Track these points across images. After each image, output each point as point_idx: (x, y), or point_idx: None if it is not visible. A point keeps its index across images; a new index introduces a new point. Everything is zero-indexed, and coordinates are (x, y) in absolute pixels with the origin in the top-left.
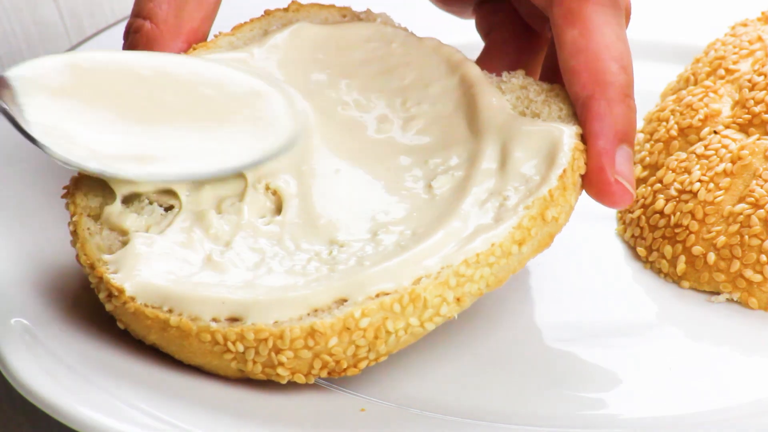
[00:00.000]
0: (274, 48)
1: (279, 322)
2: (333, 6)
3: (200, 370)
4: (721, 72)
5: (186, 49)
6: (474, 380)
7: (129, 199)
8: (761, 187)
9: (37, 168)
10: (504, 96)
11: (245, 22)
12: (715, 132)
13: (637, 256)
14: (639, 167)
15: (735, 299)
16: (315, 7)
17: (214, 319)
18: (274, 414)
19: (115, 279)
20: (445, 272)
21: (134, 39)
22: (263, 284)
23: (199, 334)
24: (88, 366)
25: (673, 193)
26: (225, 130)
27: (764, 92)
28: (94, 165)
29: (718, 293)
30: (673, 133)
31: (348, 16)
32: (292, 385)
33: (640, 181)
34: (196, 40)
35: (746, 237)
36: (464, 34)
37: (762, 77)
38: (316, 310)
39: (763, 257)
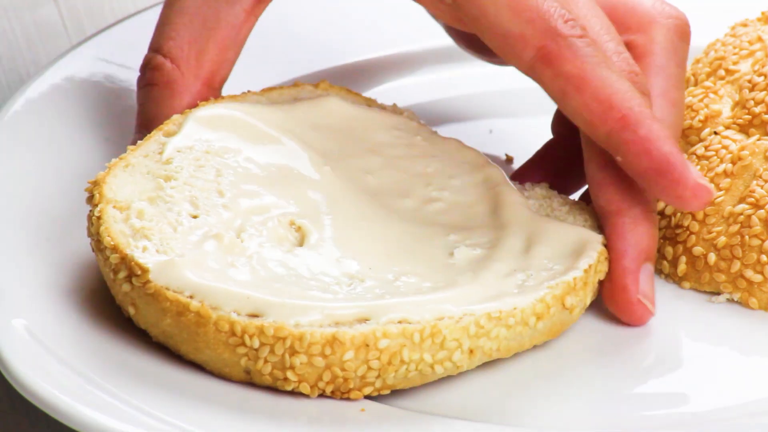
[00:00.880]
0: (304, 111)
1: (300, 325)
2: (360, 95)
3: (202, 371)
4: (721, 72)
5: (205, 93)
6: (474, 380)
7: (154, 200)
8: (761, 187)
9: (39, 169)
10: (528, 201)
11: (275, 87)
12: (716, 133)
13: None
14: None
15: (735, 299)
16: (343, 90)
17: (235, 312)
18: (274, 414)
19: (141, 258)
20: (466, 319)
21: (153, 76)
22: (288, 290)
23: (218, 323)
24: (88, 366)
25: None
26: None
27: (764, 93)
28: None
29: (718, 293)
30: None
31: (374, 106)
32: None
33: None
34: (214, 84)
35: (747, 237)
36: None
37: (762, 78)
38: (337, 323)
39: (764, 257)
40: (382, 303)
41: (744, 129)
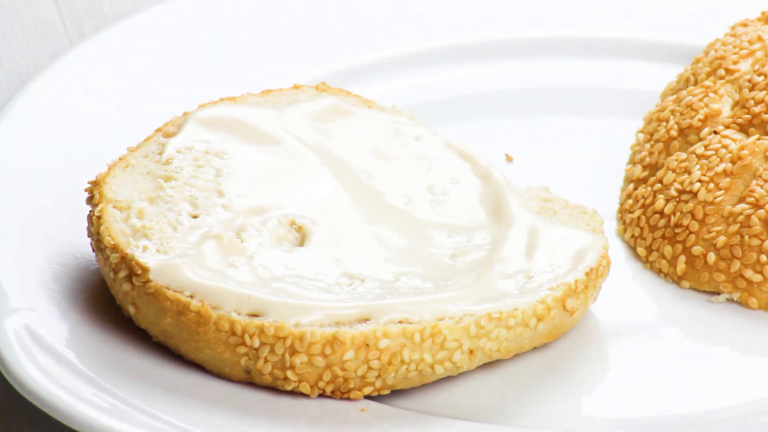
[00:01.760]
0: (304, 112)
1: (301, 324)
2: (360, 96)
3: (202, 371)
4: (721, 72)
5: None
6: (473, 380)
7: (154, 200)
8: (761, 187)
9: (39, 169)
10: (529, 203)
11: (274, 89)
12: (715, 132)
13: (637, 256)
14: (639, 167)
15: (735, 299)
16: (342, 92)
17: (236, 311)
18: (274, 414)
19: (141, 258)
20: (467, 319)
21: None
22: (289, 290)
23: (218, 322)
24: (88, 366)
25: (673, 193)
26: None
27: (764, 92)
28: None
29: (718, 293)
30: (673, 133)
31: (374, 107)
32: None
33: (640, 181)
34: None
35: (746, 237)
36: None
37: (762, 77)
38: (338, 323)
39: (763, 257)
40: (383, 303)
41: (744, 128)
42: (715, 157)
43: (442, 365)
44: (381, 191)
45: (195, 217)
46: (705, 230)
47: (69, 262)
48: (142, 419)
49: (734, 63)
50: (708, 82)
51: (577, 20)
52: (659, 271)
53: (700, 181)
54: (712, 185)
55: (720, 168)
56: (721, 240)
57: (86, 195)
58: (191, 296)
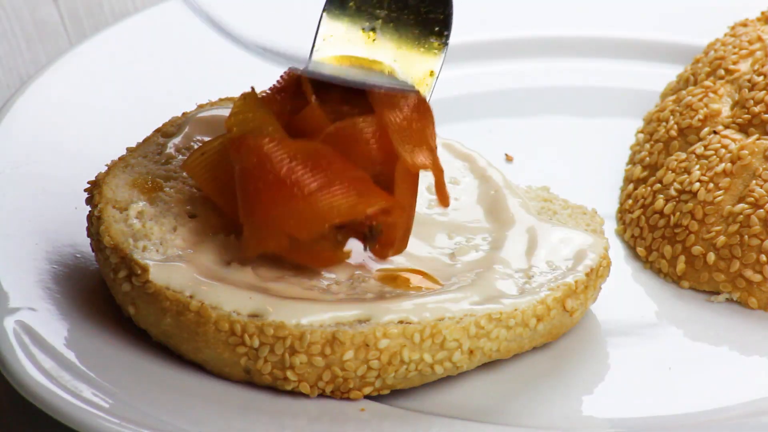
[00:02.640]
0: None
1: (300, 324)
2: None
3: (202, 371)
4: (721, 72)
5: None
6: (473, 380)
7: (154, 200)
8: (761, 186)
9: (39, 169)
10: (529, 203)
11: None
12: (715, 132)
13: (636, 256)
14: (639, 167)
15: (735, 299)
16: None
17: (235, 311)
18: (274, 414)
19: (141, 258)
20: (467, 319)
21: None
22: (289, 290)
23: (218, 322)
24: (88, 366)
25: (673, 193)
26: None
27: (764, 92)
28: None
29: (717, 293)
30: (673, 133)
31: None
32: None
33: (640, 182)
34: None
35: (746, 237)
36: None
37: (762, 77)
38: (338, 323)
39: (763, 257)
40: (383, 303)
41: (743, 128)
42: (714, 157)
43: (441, 365)
44: None
45: (194, 217)
46: (705, 230)
47: (69, 262)
48: (142, 419)
49: (734, 63)
50: (708, 82)
51: (577, 20)
52: (659, 271)
53: (699, 181)
54: (711, 185)
55: (720, 168)
56: (721, 240)
57: (86, 195)
58: (191, 296)
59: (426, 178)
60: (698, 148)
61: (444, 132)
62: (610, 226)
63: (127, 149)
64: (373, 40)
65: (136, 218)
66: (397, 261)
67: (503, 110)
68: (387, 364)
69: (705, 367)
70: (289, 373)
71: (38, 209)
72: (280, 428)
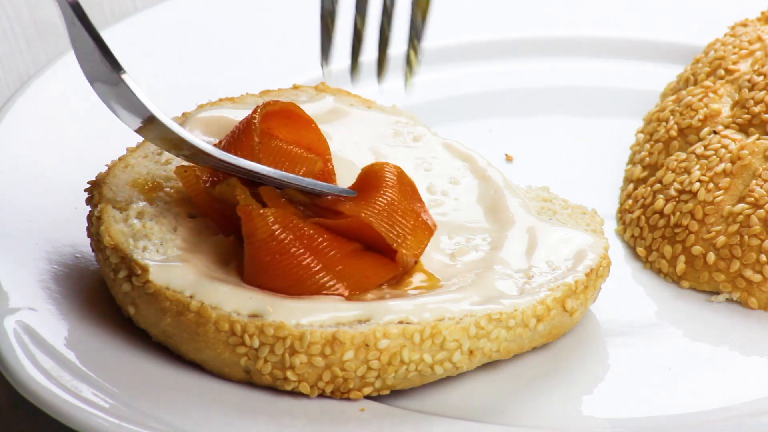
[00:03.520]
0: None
1: (300, 324)
2: (359, 96)
3: (202, 371)
4: (721, 72)
5: None
6: (474, 380)
7: (154, 200)
8: (761, 186)
9: (39, 169)
10: (529, 203)
11: (273, 89)
12: (715, 132)
13: (636, 256)
14: (639, 167)
15: (735, 299)
16: (342, 92)
17: (235, 311)
18: (274, 414)
19: (141, 258)
20: (467, 320)
21: None
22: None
23: (218, 322)
24: (88, 366)
25: (673, 193)
26: None
27: (764, 92)
28: None
29: (717, 293)
30: (673, 133)
31: (373, 107)
32: None
33: (640, 181)
34: None
35: (746, 237)
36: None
37: (762, 77)
38: (338, 323)
39: (763, 257)
40: (383, 303)
41: (743, 128)
42: (714, 157)
43: (441, 366)
44: None
45: (194, 217)
46: (705, 230)
47: (69, 262)
48: (142, 419)
49: (734, 63)
50: (708, 82)
51: (577, 20)
52: (659, 271)
53: (699, 181)
54: (711, 185)
55: (720, 168)
56: (721, 240)
57: (86, 195)
58: (191, 296)
59: (426, 178)
60: (698, 148)
61: (444, 132)
62: (610, 226)
63: (127, 149)
64: None
65: (136, 218)
66: None
67: (503, 110)
68: (387, 365)
69: (705, 367)
70: (289, 373)
71: (38, 209)
72: (280, 428)
